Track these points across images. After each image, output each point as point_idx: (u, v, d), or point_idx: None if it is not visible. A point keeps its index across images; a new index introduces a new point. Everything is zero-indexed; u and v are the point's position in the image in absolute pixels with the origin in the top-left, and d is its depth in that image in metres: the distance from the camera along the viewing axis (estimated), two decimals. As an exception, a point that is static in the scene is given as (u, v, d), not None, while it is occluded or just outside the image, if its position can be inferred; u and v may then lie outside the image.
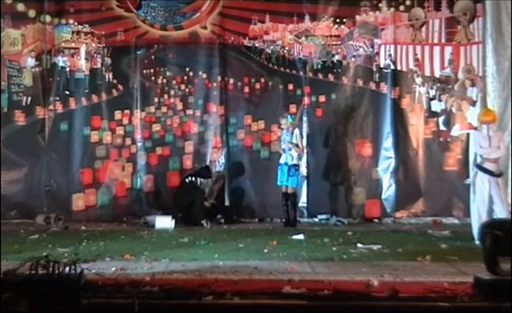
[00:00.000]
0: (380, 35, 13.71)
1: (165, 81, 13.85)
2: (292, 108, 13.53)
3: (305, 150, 13.19)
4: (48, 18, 13.61)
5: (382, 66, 13.67)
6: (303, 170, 13.32)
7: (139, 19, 13.84)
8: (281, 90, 13.72)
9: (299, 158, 12.74)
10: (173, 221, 12.35)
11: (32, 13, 13.58)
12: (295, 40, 13.80)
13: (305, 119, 13.57)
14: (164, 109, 13.81)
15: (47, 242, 10.35)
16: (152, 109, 13.79)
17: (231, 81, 13.79)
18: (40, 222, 12.71)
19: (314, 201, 13.40)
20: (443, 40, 13.65)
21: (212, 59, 13.80)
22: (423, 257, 8.72)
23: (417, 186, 13.45)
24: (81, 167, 13.56)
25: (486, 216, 9.86)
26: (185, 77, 13.84)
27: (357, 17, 13.74)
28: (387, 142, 13.48)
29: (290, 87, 13.71)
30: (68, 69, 13.75)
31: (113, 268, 7.76)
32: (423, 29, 13.68)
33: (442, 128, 13.52)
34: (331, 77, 13.74)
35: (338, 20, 13.74)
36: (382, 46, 13.72)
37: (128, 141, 13.72)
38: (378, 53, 13.70)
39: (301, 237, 10.82)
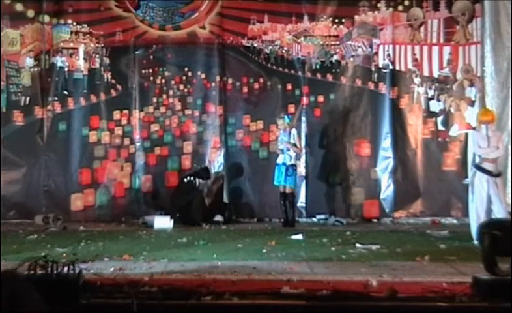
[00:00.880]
0: (379, 35, 13.71)
1: (163, 81, 13.85)
2: (291, 108, 13.53)
3: (303, 150, 13.20)
4: (47, 18, 13.60)
5: (380, 66, 13.67)
6: (302, 170, 13.34)
7: (138, 19, 13.84)
8: (280, 91, 13.73)
9: (298, 158, 12.76)
10: (172, 221, 12.35)
11: (30, 13, 13.57)
12: (294, 40, 13.81)
13: (303, 119, 13.57)
14: (163, 109, 13.80)
15: (45, 243, 10.34)
16: (151, 109, 13.79)
17: (230, 81, 13.79)
18: (39, 222, 12.71)
19: (313, 201, 13.40)
20: (441, 40, 13.66)
21: (211, 59, 13.79)
22: (422, 258, 8.72)
23: (415, 186, 13.45)
24: (79, 167, 13.55)
25: (484, 216, 9.86)
26: (184, 77, 13.83)
27: (356, 17, 13.74)
28: (386, 142, 13.48)
29: (289, 87, 13.72)
30: (66, 69, 13.74)
31: (112, 269, 7.75)
32: (422, 29, 13.68)
33: (441, 128, 13.52)
34: (329, 78, 13.75)
35: (337, 20, 13.75)
36: (381, 46, 13.72)
37: (127, 141, 13.71)
38: (376, 53, 13.70)
39: (299, 237, 10.82)
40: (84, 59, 13.79)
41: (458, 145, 13.36)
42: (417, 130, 13.55)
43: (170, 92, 13.83)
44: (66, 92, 13.71)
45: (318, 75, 13.76)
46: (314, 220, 13.24)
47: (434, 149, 13.50)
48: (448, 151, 13.46)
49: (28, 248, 9.69)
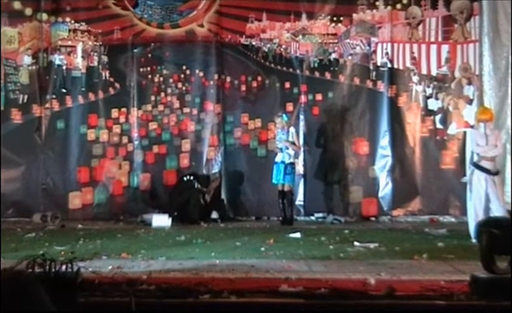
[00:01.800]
0: (377, 33, 13.70)
1: (161, 79, 13.84)
2: (289, 106, 13.53)
3: (301, 148, 13.20)
4: (45, 16, 13.60)
5: (378, 64, 13.68)
6: (300, 168, 13.34)
7: (136, 17, 13.83)
8: (278, 89, 13.73)
9: (296, 156, 12.76)
10: (170, 219, 12.35)
11: (28, 11, 13.56)
12: (292, 38, 13.80)
13: (301, 117, 13.57)
14: (161, 107, 13.80)
15: (43, 241, 10.35)
16: (149, 107, 13.78)
17: (228, 79, 13.79)
18: (37, 220, 12.70)
19: (311, 200, 13.40)
20: (440, 39, 13.66)
21: (209, 57, 13.79)
22: (420, 256, 8.74)
23: (414, 185, 13.46)
24: (77, 165, 13.55)
25: (482, 214, 9.86)
26: (182, 76, 13.83)
27: (354, 15, 13.73)
28: (384, 140, 13.48)
29: (287, 85, 13.72)
30: (64, 67, 13.73)
31: (110, 267, 7.75)
32: (420, 27, 13.67)
33: (439, 126, 13.52)
34: (328, 76, 13.75)
35: (335, 18, 13.74)
36: (379, 45, 13.72)
37: (125, 140, 13.71)
38: (375, 52, 13.70)
39: (298, 235, 10.83)
40: (82, 57, 13.78)
41: (456, 143, 13.35)
42: (415, 128, 13.55)
43: (169, 90, 13.82)
44: (64, 91, 13.71)
45: (317, 74, 13.76)
46: (313, 218, 13.24)
47: (432, 147, 13.50)
48: (446, 149, 13.46)
49: (27, 246, 9.69)
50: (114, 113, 13.70)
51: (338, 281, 6.96)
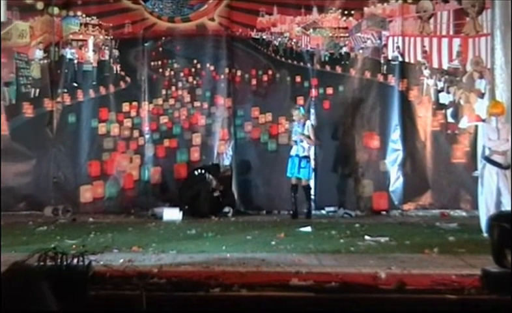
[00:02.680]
0: (388, 27, 13.67)
1: (172, 73, 13.86)
2: (300, 100, 13.52)
3: (316, 142, 13.12)
4: (56, 10, 13.64)
5: (389, 58, 13.63)
6: (311, 162, 13.30)
7: (147, 11, 13.85)
8: (289, 83, 13.71)
9: (310, 149, 12.73)
10: (181, 213, 12.37)
11: (40, 5, 13.61)
12: (303, 32, 13.78)
13: (312, 111, 13.55)
14: (171, 101, 13.82)
15: (55, 234, 10.40)
16: (160, 101, 13.81)
17: (238, 73, 13.79)
18: (48, 213, 12.77)
19: (322, 194, 13.38)
20: (451, 32, 13.60)
21: (220, 51, 13.80)
22: (431, 250, 8.71)
23: (424, 179, 13.43)
24: (88, 159, 13.60)
25: (494, 208, 9.83)
26: (193, 70, 13.84)
27: (365, 9, 13.70)
28: (395, 134, 13.45)
29: (298, 79, 13.70)
30: (75, 61, 13.79)
31: (121, 260, 7.77)
32: (431, 20, 13.62)
33: (450, 120, 13.48)
34: (338, 70, 13.72)
35: (346, 12, 13.71)
36: (390, 38, 13.68)
37: (136, 133, 13.75)
38: (385, 45, 13.66)
39: (308, 229, 10.82)
40: (93, 51, 13.82)
41: (467, 137, 13.30)
42: (426, 122, 13.51)
43: (179, 84, 13.84)
44: (75, 84, 13.76)
45: (327, 68, 13.74)
46: (323, 212, 13.22)
47: (443, 141, 13.46)
48: (457, 143, 13.41)
49: (38, 239, 9.74)
50: (125, 106, 13.74)
51: (348, 275, 6.94)
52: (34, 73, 13.64)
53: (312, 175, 13.26)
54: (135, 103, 13.74)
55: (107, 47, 13.83)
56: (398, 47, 13.60)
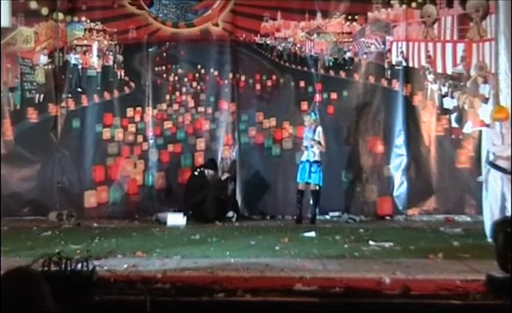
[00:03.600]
0: (392, 32, 13.67)
1: (176, 78, 13.87)
2: (304, 105, 13.53)
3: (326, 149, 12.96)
4: (61, 16, 13.66)
5: (393, 63, 13.64)
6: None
7: (151, 16, 13.87)
8: (293, 88, 13.72)
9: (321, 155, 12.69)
10: (185, 218, 12.37)
11: (44, 11, 13.64)
12: (307, 37, 13.79)
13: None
14: (176, 106, 13.83)
15: (59, 239, 10.40)
16: (164, 106, 13.82)
17: (243, 78, 13.80)
18: (53, 218, 12.78)
19: (326, 199, 13.32)
20: (455, 37, 13.61)
21: (224, 56, 13.81)
22: (435, 255, 8.69)
23: (429, 184, 13.42)
24: (93, 164, 13.61)
25: (498, 213, 9.82)
26: (197, 75, 13.85)
27: (369, 14, 13.71)
28: (399, 139, 13.45)
29: (302, 84, 13.71)
30: (80, 66, 13.80)
31: (125, 265, 7.77)
32: (435, 25, 13.63)
33: (454, 125, 13.47)
34: (342, 75, 13.73)
35: (350, 17, 13.72)
36: (394, 43, 13.69)
37: (140, 138, 13.75)
38: (389, 50, 13.67)
39: (312, 234, 10.82)
40: (97, 56, 13.84)
41: (471, 142, 13.29)
42: (430, 127, 13.51)
43: (183, 89, 13.85)
44: (79, 90, 13.77)
45: (331, 73, 13.74)
46: (328, 217, 13.21)
47: (447, 146, 13.46)
48: (462, 148, 13.41)
49: (42, 244, 9.72)
50: (130, 112, 13.75)
51: (353, 280, 6.93)
52: (39, 78, 13.66)
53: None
54: (139, 108, 13.75)
55: (111, 53, 13.84)
56: (402, 52, 13.61)
